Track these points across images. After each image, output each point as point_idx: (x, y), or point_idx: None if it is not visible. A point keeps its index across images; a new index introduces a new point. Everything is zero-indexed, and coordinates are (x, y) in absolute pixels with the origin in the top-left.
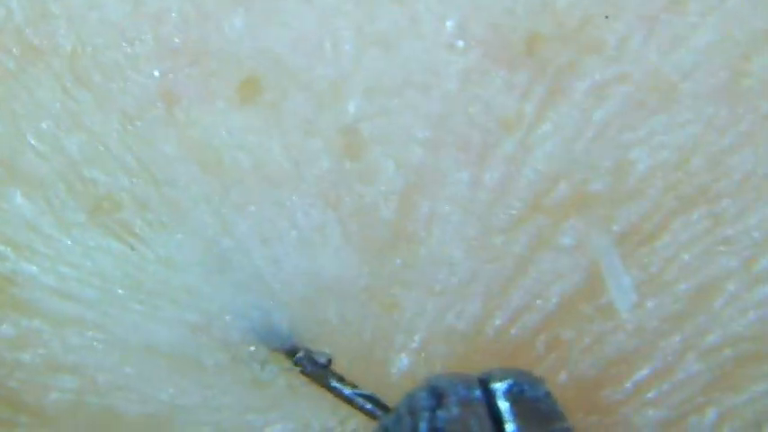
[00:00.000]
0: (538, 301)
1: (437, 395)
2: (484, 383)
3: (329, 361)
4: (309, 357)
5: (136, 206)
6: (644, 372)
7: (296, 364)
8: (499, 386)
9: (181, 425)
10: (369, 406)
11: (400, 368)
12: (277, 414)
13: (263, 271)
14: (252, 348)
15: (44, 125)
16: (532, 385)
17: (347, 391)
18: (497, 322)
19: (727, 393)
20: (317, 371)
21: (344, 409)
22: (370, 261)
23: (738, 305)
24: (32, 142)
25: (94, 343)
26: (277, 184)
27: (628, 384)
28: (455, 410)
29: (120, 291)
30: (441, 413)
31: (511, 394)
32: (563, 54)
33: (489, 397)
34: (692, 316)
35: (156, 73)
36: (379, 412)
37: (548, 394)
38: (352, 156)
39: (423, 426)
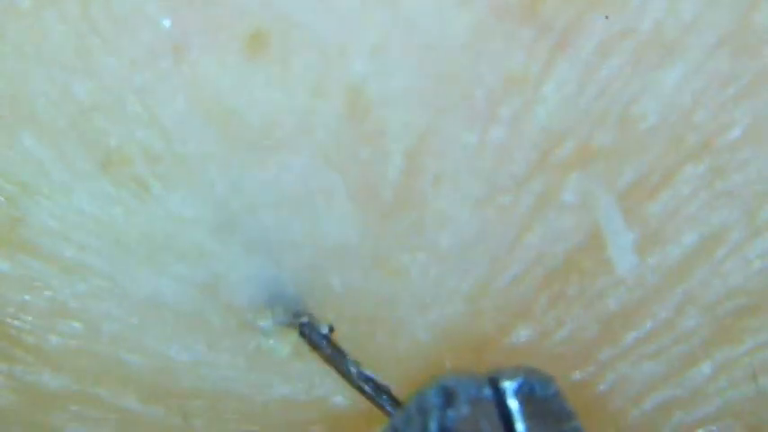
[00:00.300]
0: (542, 261)
1: (447, 394)
2: (494, 382)
3: (331, 329)
4: (312, 325)
5: (147, 160)
6: (644, 327)
7: (300, 332)
8: (509, 385)
9: (181, 379)
10: (367, 387)
11: (405, 335)
12: (280, 377)
13: (271, 234)
14: (257, 313)
15: (56, 70)
16: (542, 384)
17: (350, 367)
18: (501, 284)
19: (724, 346)
20: (319, 339)
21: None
22: (375, 225)
23: (739, 258)
24: (44, 87)
25: (101, 292)
26: (283, 144)
27: (627, 340)
28: (465, 410)
29: (129, 243)
30: (451, 412)
31: (521, 393)
32: (567, 10)
33: (499, 396)
34: (692, 270)
35: (166, 23)
36: (373, 392)
37: (558, 393)
38: (357, 116)
39: (433, 425)
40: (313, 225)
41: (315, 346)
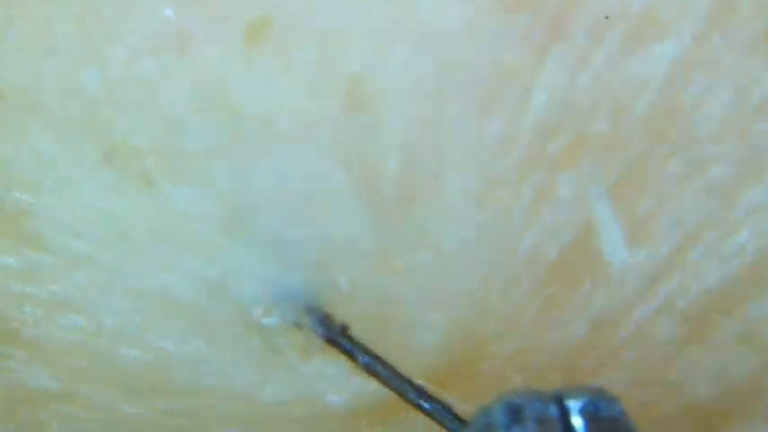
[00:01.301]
0: (539, 259)
1: (513, 411)
2: (558, 400)
3: (345, 328)
4: (325, 321)
5: (152, 154)
6: (627, 329)
7: (314, 328)
8: (574, 404)
9: (180, 375)
10: (426, 404)
11: (411, 336)
12: (284, 376)
13: (277, 230)
14: (264, 310)
15: (62, 61)
16: (607, 404)
17: (364, 357)
18: (501, 284)
19: (696, 346)
20: (333, 336)
21: (353, 380)
22: (379, 223)
23: (715, 257)
24: (50, 78)
25: (105, 285)
26: (286, 137)
27: (612, 343)
28: (531, 427)
29: (135, 237)
30: (516, 429)
31: (586, 412)
32: None
33: (563, 414)
34: (671, 271)
35: (170, 13)
36: (396, 380)
37: (622, 413)
38: (356, 108)
39: None
40: (319, 222)
41: (330, 341)
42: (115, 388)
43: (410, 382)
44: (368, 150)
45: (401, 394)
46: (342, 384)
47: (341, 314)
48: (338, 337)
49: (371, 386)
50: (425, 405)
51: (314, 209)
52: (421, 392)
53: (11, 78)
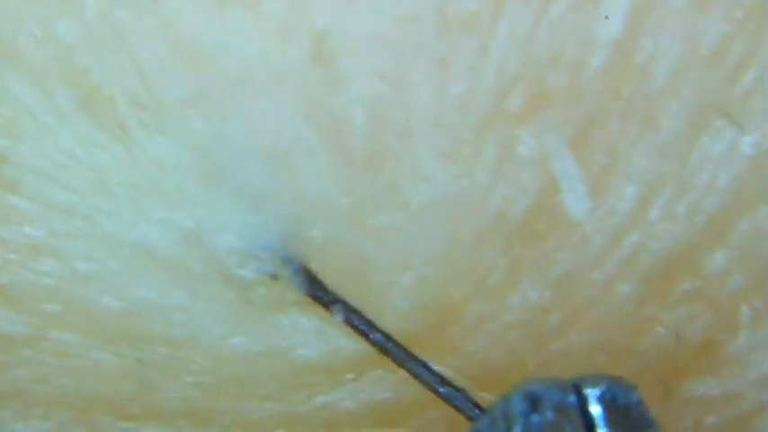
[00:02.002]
0: (506, 217)
1: (532, 400)
2: (577, 388)
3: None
4: (309, 275)
5: (128, 103)
6: (588, 292)
7: (303, 287)
8: (592, 391)
9: (153, 323)
10: (441, 389)
11: (382, 296)
12: (257, 328)
13: (254, 183)
14: (240, 262)
15: (38, 7)
16: (625, 392)
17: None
18: (468, 245)
19: (652, 305)
20: (317, 291)
21: (322, 329)
22: (351, 181)
23: (670, 216)
24: (27, 24)
25: (81, 232)
26: (258, 91)
27: (575, 305)
28: (550, 415)
29: (112, 186)
30: (535, 418)
31: (604, 400)
32: None
33: (582, 402)
34: (629, 229)
35: None
36: (447, 394)
37: (640, 401)
38: (323, 63)
39: (517, 430)
40: (293, 177)
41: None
42: (85, 335)
43: (426, 366)
44: (335, 106)
45: (417, 378)
46: (316, 339)
47: (315, 269)
48: (320, 293)
49: (346, 341)
50: (441, 390)
51: (287, 163)
52: (437, 377)
53: None
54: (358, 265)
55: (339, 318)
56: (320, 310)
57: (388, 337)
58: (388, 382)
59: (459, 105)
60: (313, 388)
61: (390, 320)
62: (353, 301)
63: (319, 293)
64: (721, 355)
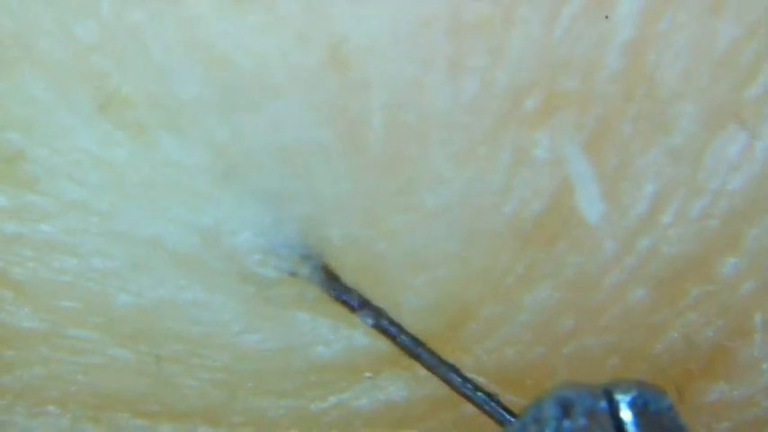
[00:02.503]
0: (520, 220)
1: (564, 405)
2: (608, 394)
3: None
4: (329, 273)
5: (146, 103)
6: (599, 296)
7: (322, 285)
8: (623, 397)
9: (170, 320)
10: (474, 395)
11: (398, 295)
12: (273, 326)
13: (272, 183)
14: (259, 260)
15: (57, 8)
16: (656, 397)
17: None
18: (485, 245)
19: (664, 310)
20: (338, 289)
21: (340, 327)
22: (367, 182)
23: (683, 220)
24: (46, 25)
25: (98, 230)
26: (275, 92)
27: (587, 309)
28: (581, 421)
29: (130, 184)
30: (567, 423)
31: (635, 406)
32: None
33: (613, 408)
34: (641, 234)
35: None
36: (480, 400)
37: (671, 407)
38: (340, 66)
39: None
40: (310, 177)
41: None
42: (102, 332)
43: (457, 371)
44: (352, 108)
45: (449, 383)
46: (333, 337)
47: (336, 267)
48: (345, 294)
49: (363, 339)
50: (472, 394)
51: (304, 164)
52: (469, 381)
53: (7, 23)
54: (374, 264)
55: (369, 322)
56: (338, 307)
57: (417, 341)
58: (404, 382)
59: (473, 108)
60: (329, 386)
61: (406, 319)
62: (372, 295)
63: (345, 295)
64: (733, 362)
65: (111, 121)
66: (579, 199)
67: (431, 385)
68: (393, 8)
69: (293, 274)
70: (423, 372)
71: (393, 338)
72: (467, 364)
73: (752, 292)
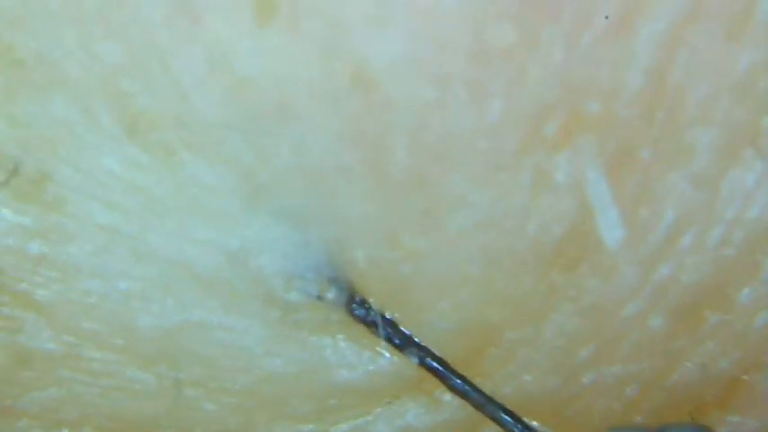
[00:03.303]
0: (540, 242)
1: None
2: None
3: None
4: (359, 301)
5: (173, 126)
6: (620, 322)
7: (348, 308)
8: None
9: (193, 342)
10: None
11: (423, 318)
12: (297, 350)
13: (297, 206)
14: (285, 283)
15: (82, 30)
16: None
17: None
18: (506, 269)
19: (681, 339)
20: (367, 317)
21: (363, 352)
22: (391, 205)
23: (700, 249)
24: (72, 47)
25: (124, 251)
26: (298, 116)
27: (606, 337)
28: None
29: (156, 206)
30: None
31: None
32: None
33: None
34: (660, 261)
35: None
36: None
37: None
38: (362, 89)
39: None
40: (335, 199)
41: (464, 394)
42: (122, 354)
43: (507, 411)
44: (375, 131)
45: (479, 408)
46: (356, 361)
47: (358, 290)
48: (378, 321)
49: (385, 364)
50: (505, 419)
51: (328, 186)
52: (520, 422)
53: (32, 45)
54: (399, 286)
55: (414, 361)
56: (361, 331)
57: (477, 388)
58: (423, 407)
59: (495, 131)
60: (348, 410)
61: (432, 343)
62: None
63: (385, 329)
64: (749, 395)
65: (137, 143)
66: (599, 223)
67: (450, 410)
68: (414, 30)
69: (319, 298)
70: (442, 396)
71: (441, 378)
72: (485, 389)
73: None
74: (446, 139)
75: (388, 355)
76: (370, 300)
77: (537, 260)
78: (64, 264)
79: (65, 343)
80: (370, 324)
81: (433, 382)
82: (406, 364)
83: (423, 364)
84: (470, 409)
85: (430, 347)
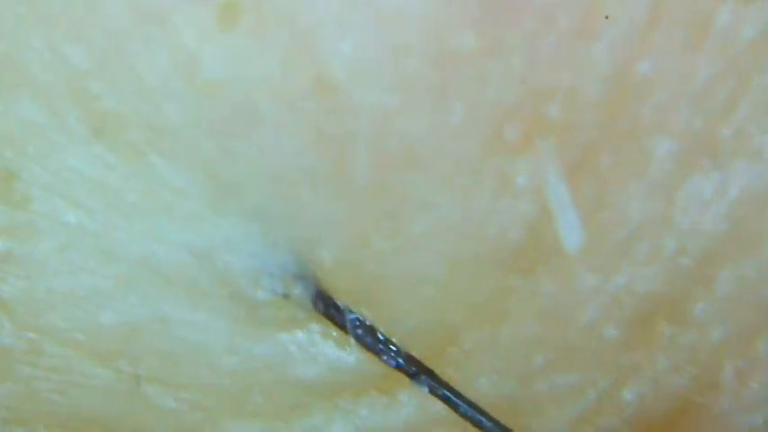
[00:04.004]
0: (501, 244)
1: None
2: None
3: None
4: (326, 297)
5: (140, 127)
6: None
7: (314, 305)
8: None
9: (153, 339)
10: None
11: (389, 317)
12: (259, 344)
13: (264, 208)
14: (251, 282)
15: (49, 32)
16: None
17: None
18: (468, 268)
19: (636, 352)
20: (335, 313)
21: (327, 348)
22: (355, 208)
23: (658, 256)
24: (39, 48)
25: (89, 249)
26: (263, 119)
27: (560, 342)
28: None
29: (123, 205)
30: None
31: None
32: None
33: None
34: (619, 265)
35: None
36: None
37: None
38: (324, 93)
39: None
40: (301, 201)
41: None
42: (84, 350)
43: (470, 401)
44: (337, 134)
45: (455, 410)
46: (319, 359)
47: (328, 289)
48: (339, 315)
49: (350, 362)
50: (483, 421)
51: (292, 188)
52: (476, 408)
53: (0, 47)
54: (366, 285)
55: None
56: (326, 329)
57: (470, 403)
58: (381, 408)
59: (457, 135)
60: (309, 408)
61: (398, 340)
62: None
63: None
64: (700, 417)
65: (104, 143)
66: (559, 227)
67: (409, 409)
68: (377, 35)
69: (285, 296)
70: (402, 397)
71: (450, 404)
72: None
73: (722, 339)
74: (408, 142)
75: (351, 352)
76: (336, 297)
77: (497, 263)
78: (29, 261)
79: (25, 339)
80: (335, 321)
81: (394, 381)
82: (370, 362)
83: (456, 409)
84: (429, 409)
85: (396, 343)
